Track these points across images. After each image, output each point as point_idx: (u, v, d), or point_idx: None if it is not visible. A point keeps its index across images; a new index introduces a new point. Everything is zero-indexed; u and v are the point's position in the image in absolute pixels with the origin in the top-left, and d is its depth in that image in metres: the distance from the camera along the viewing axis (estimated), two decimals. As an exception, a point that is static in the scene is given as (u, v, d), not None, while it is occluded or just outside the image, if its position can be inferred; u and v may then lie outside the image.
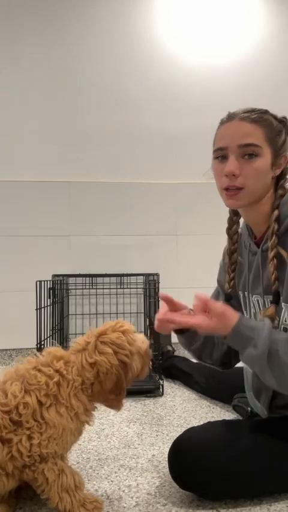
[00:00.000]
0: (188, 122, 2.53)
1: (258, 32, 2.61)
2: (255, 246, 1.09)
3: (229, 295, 1.17)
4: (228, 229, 1.16)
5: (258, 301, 1.09)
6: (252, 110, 0.99)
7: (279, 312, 0.99)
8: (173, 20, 2.54)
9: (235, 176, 0.98)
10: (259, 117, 0.98)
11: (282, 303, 0.98)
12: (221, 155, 1.01)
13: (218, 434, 0.99)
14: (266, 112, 1.01)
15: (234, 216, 1.15)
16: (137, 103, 2.51)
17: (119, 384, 0.89)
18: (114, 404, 0.92)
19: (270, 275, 0.99)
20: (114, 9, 2.49)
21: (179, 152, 2.52)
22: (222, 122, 1.03)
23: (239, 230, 1.18)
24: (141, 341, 0.95)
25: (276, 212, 1.00)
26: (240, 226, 1.18)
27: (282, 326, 0.99)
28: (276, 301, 0.99)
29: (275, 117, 1.01)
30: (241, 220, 1.17)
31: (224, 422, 1.11)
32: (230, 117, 1.01)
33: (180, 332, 1.15)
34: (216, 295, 1.28)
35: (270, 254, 0.99)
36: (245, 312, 1.17)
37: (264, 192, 1.01)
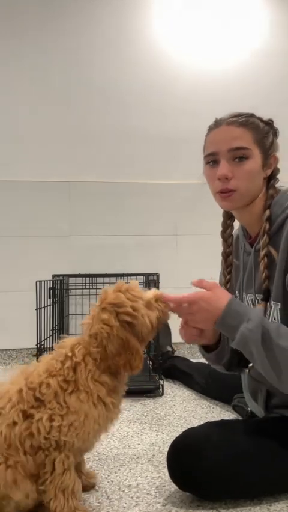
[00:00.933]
0: (188, 123, 2.52)
1: (259, 34, 2.61)
2: (249, 246, 1.11)
3: None
4: (223, 232, 1.18)
5: (252, 300, 1.10)
6: (239, 115, 1.02)
7: (269, 310, 1.00)
8: (173, 21, 2.54)
9: (228, 180, 1.00)
10: (246, 120, 1.01)
11: (272, 301, 0.99)
12: (212, 160, 1.04)
13: (217, 434, 0.99)
14: (252, 115, 1.04)
15: (228, 219, 1.17)
16: (137, 103, 2.51)
17: (126, 345, 0.85)
18: (129, 364, 0.87)
19: (261, 274, 1.01)
20: (115, 9, 2.49)
21: (179, 152, 2.52)
22: (210, 129, 1.07)
23: (236, 232, 1.19)
24: (150, 293, 0.92)
25: (267, 212, 1.02)
26: (237, 228, 1.19)
27: None
28: (266, 299, 1.01)
29: (261, 119, 1.04)
30: (237, 223, 1.18)
31: (223, 422, 1.12)
32: (218, 123, 1.04)
33: (208, 349, 1.13)
34: None
35: (261, 253, 1.01)
36: None
37: (257, 192, 1.04)
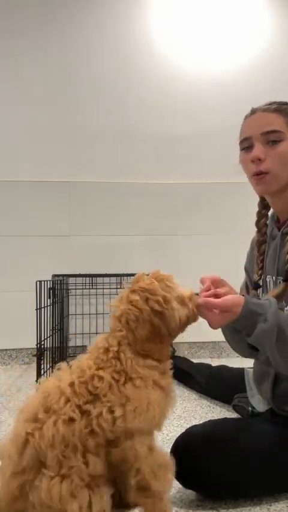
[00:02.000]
0: (188, 123, 2.53)
1: (261, 35, 2.61)
2: (276, 230, 1.13)
3: (258, 284, 1.18)
4: (257, 222, 1.20)
5: (269, 281, 1.12)
6: (273, 102, 1.06)
7: None
8: (172, 21, 2.54)
9: (261, 161, 1.02)
10: (279, 106, 1.04)
11: None
12: (246, 145, 1.07)
13: (219, 433, 0.99)
14: (286, 103, 1.06)
15: (263, 209, 1.19)
16: (137, 103, 2.51)
17: (157, 332, 0.82)
18: (157, 353, 0.85)
19: (284, 255, 1.03)
20: (114, 9, 2.49)
21: (179, 152, 2.52)
22: (246, 117, 1.10)
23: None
24: (187, 291, 0.89)
25: None
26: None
27: None
28: (287, 279, 1.03)
29: None
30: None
31: (226, 420, 1.12)
32: (253, 111, 1.08)
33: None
34: (245, 284, 1.29)
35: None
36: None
37: None
